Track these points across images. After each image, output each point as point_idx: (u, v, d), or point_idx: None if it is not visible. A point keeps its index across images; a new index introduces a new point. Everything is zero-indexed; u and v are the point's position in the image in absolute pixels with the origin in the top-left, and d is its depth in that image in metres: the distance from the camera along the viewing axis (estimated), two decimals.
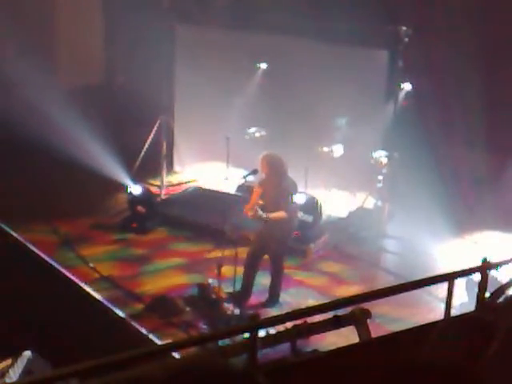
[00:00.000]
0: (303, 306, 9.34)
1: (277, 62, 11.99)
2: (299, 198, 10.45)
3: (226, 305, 8.89)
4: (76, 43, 15.31)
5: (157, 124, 12.31)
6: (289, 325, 4.40)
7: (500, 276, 5.72)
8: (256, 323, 3.67)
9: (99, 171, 11.93)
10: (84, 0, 15.55)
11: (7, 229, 10.72)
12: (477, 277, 4.32)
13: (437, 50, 11.22)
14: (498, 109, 11.21)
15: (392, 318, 8.70)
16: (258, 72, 12.33)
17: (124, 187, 11.75)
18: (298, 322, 4.35)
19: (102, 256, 10.37)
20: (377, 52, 11.37)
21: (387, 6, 11.01)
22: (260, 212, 8.70)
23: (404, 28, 10.73)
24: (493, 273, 4.48)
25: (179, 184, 12.85)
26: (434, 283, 4.45)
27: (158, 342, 8.26)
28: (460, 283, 8.17)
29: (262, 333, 3.88)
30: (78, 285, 9.47)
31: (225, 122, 12.12)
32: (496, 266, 4.37)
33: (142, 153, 12.34)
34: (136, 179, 11.98)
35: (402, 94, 11.35)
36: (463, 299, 8.35)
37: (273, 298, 9.25)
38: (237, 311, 8.74)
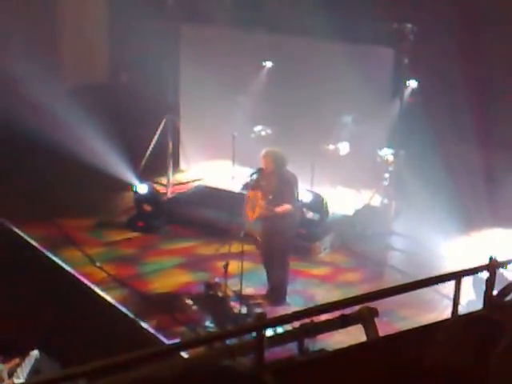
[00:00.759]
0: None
1: (282, 60, 11.98)
2: (305, 196, 10.48)
3: (232, 303, 8.90)
4: (80, 41, 15.33)
5: (162, 123, 12.31)
6: (296, 324, 4.40)
7: (508, 274, 5.71)
8: (263, 322, 3.67)
9: (105, 170, 11.94)
10: None
11: (13, 228, 10.74)
12: (484, 275, 4.31)
13: (442, 47, 11.20)
14: (506, 106, 11.19)
15: (400, 316, 8.69)
16: (263, 70, 12.31)
17: (130, 186, 11.76)
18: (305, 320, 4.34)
19: (107, 255, 10.38)
20: (382, 49, 11.36)
21: (392, 3, 11.01)
22: (269, 207, 8.75)
23: (409, 25, 10.71)
24: (500, 270, 4.47)
25: (185, 183, 12.85)
26: (441, 282, 4.44)
27: (166, 341, 8.26)
28: (467, 281, 8.15)
29: (269, 332, 3.88)
30: (85, 284, 9.48)
31: (230, 121, 12.11)
32: (504, 264, 4.36)
33: (148, 151, 12.35)
34: (142, 178, 11.98)
35: (407, 92, 11.33)
36: (470, 297, 8.32)
37: (278, 296, 9.24)
38: (244, 309, 8.75)
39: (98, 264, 10.00)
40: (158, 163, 12.46)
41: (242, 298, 8.82)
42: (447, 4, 11.31)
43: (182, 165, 13.33)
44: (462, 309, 4.43)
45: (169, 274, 9.91)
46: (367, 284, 9.60)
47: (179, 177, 13.05)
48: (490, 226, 10.88)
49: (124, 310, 8.98)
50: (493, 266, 4.23)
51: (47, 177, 12.38)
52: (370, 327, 4.41)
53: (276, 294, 9.25)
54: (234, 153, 12.07)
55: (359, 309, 4.55)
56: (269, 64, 12.26)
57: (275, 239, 9.05)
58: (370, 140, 11.29)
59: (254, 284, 9.48)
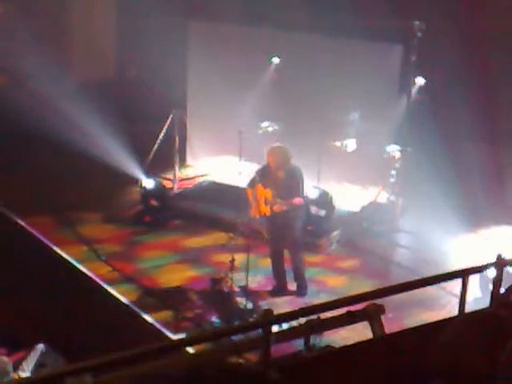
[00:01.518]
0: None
1: (290, 57, 11.95)
2: (312, 193, 10.48)
3: (238, 298, 8.91)
4: (90, 37, 15.35)
5: (170, 118, 12.32)
6: (302, 320, 4.40)
7: None
8: (269, 319, 3.67)
9: (112, 165, 11.96)
10: None
11: (21, 221, 10.78)
12: (491, 272, 4.30)
13: (450, 45, 11.17)
14: None
15: (406, 313, 8.68)
16: (270, 66, 12.30)
17: (137, 181, 11.78)
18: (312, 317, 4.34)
19: (114, 249, 10.39)
20: (390, 47, 11.34)
21: (400, 0, 10.98)
22: (282, 202, 8.82)
23: (417, 22, 10.68)
24: (507, 268, 4.46)
25: (192, 178, 12.87)
26: (448, 279, 4.44)
27: (172, 336, 8.27)
28: (473, 278, 8.14)
29: (275, 328, 3.88)
30: (91, 278, 9.49)
31: (237, 116, 12.09)
32: (511, 262, 4.35)
33: (155, 147, 12.36)
34: (149, 173, 12.00)
35: (415, 89, 11.31)
36: (476, 294, 8.31)
37: (301, 287, 9.32)
38: (250, 305, 8.75)
39: (103, 258, 10.02)
40: (164, 158, 12.47)
41: (248, 294, 8.83)
42: (456, 1, 11.28)
43: (189, 160, 13.34)
44: (469, 306, 4.42)
45: (175, 269, 9.91)
46: (372, 281, 9.59)
47: (186, 172, 13.07)
48: (497, 223, 10.86)
49: (130, 304, 8.99)
50: (500, 264, 4.23)
51: (55, 171, 12.42)
52: (376, 324, 4.41)
53: (301, 283, 9.32)
54: (241, 148, 12.05)
55: (366, 306, 4.55)
56: (276, 60, 12.24)
57: (288, 232, 9.10)
58: (376, 137, 11.28)
59: (260, 279, 9.50)
